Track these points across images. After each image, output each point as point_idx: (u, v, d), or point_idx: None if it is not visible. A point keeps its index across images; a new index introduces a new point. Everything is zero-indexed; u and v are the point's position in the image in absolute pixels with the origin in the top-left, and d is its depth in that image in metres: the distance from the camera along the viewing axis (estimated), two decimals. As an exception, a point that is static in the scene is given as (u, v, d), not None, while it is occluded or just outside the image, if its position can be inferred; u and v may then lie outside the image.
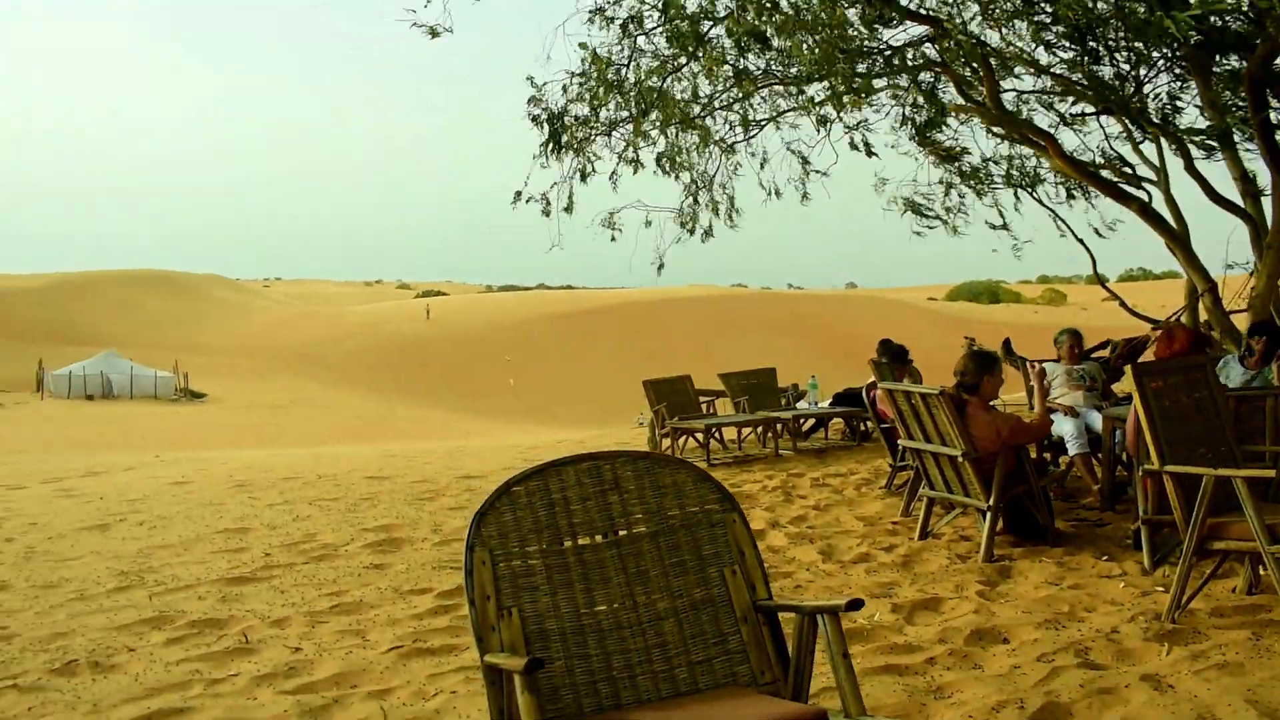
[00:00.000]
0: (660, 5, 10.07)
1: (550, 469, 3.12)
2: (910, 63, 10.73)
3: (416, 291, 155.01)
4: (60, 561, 7.22)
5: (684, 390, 13.08)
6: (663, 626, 3.05)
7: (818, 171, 11.92)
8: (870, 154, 11.50)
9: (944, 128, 11.72)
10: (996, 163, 12.47)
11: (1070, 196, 12.59)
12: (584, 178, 11.73)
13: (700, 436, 12.04)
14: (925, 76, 11.03)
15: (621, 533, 3.12)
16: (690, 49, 10.09)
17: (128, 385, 59.19)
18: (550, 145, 11.35)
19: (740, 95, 11.16)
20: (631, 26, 10.54)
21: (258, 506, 9.40)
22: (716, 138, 11.83)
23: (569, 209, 11.79)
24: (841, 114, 10.74)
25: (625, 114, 11.29)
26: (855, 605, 2.85)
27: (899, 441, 7.68)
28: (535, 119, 11.32)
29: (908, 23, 10.19)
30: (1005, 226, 12.70)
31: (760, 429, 12.67)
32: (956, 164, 12.32)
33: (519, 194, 11.61)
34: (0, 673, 4.74)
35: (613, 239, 11.94)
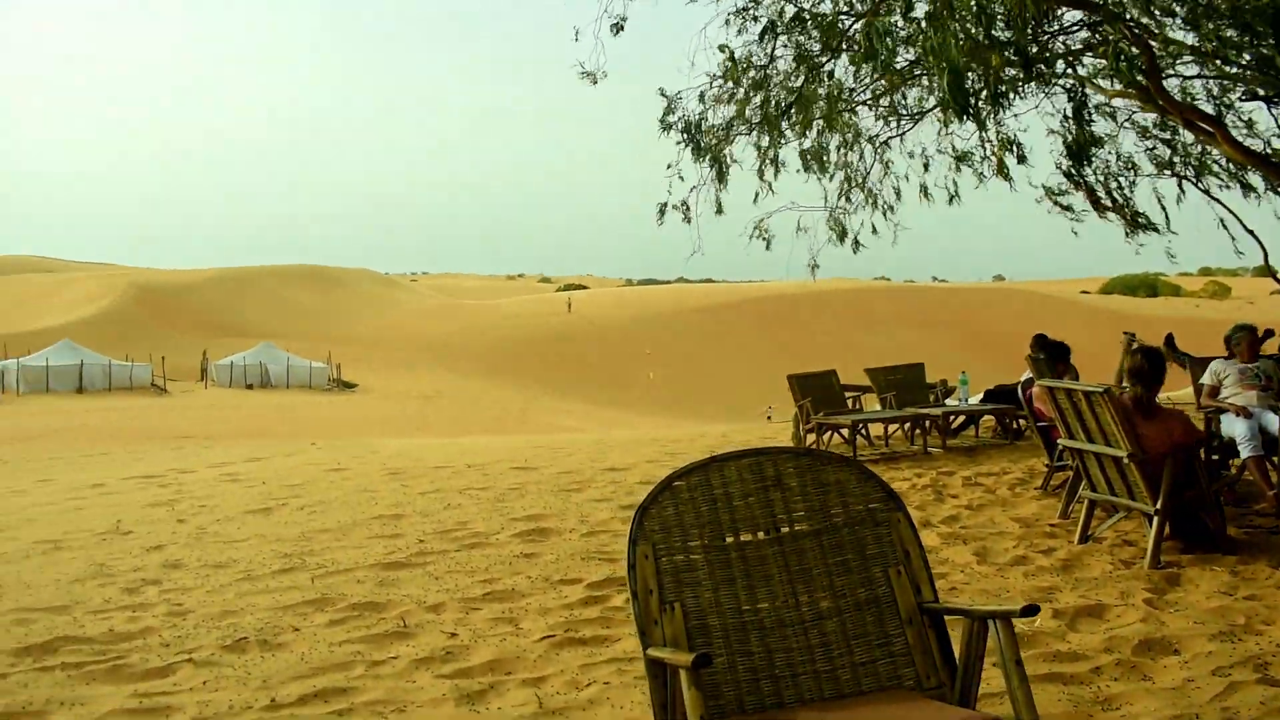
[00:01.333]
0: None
1: (712, 464, 3.10)
2: (1067, 50, 10.27)
3: (558, 285, 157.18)
4: (228, 543, 7.56)
5: (830, 385, 12.89)
6: (825, 626, 3.00)
7: (972, 170, 11.52)
8: (1022, 159, 11.06)
9: (1101, 119, 11.17)
10: (1159, 150, 11.84)
11: (1244, 187, 11.88)
12: (723, 181, 11.60)
13: (846, 433, 11.85)
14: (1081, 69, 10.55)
15: (783, 530, 3.08)
16: (835, 45, 9.89)
17: (284, 375, 61.71)
18: (689, 153, 11.28)
19: (886, 89, 10.90)
20: (776, 24, 10.39)
21: (410, 494, 9.66)
22: (868, 135, 11.58)
23: (719, 210, 11.68)
24: (987, 122, 10.39)
25: (766, 114, 11.14)
26: (1031, 611, 2.75)
27: (1058, 441, 7.41)
28: (669, 127, 11.28)
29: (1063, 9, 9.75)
30: (1149, 226, 12.02)
31: (908, 426, 12.41)
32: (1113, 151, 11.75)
33: (663, 208, 11.57)
34: (177, 647, 4.98)
35: (767, 247, 11.78)
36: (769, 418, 50.77)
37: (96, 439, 21.52)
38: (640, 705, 4.12)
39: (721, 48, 10.70)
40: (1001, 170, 11.02)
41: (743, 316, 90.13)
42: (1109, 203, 11.51)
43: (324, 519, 8.43)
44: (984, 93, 9.26)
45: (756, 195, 11.47)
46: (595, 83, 10.85)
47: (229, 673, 4.59)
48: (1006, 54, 8.61)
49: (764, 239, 11.67)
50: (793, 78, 10.77)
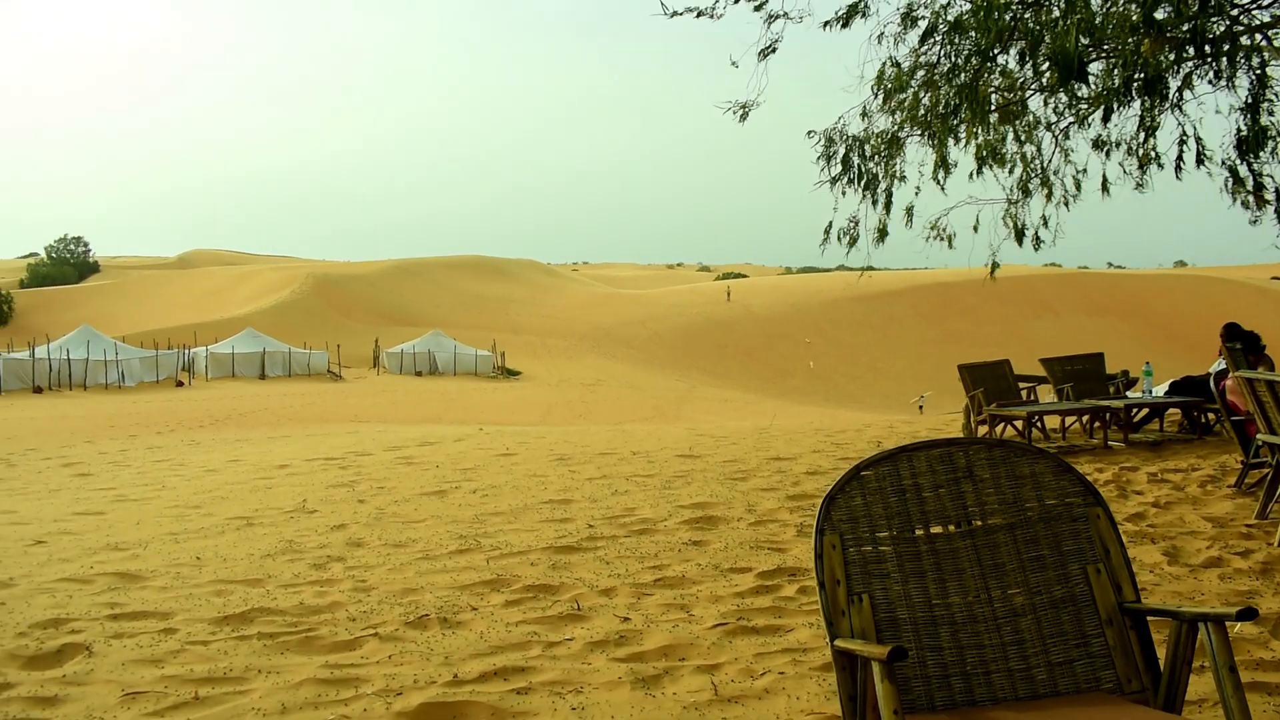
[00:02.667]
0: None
1: (901, 454, 3.02)
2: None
3: (717, 274, 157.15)
4: (406, 523, 7.81)
5: (1002, 376, 12.50)
6: (1019, 623, 2.89)
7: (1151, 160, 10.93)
8: (1202, 159, 10.43)
9: None
10: None
11: None
12: (888, 209, 11.32)
13: (1019, 425, 11.47)
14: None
15: (976, 523, 2.98)
16: (1005, 38, 9.53)
17: (451, 362, 63.52)
18: (842, 177, 11.08)
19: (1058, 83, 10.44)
20: (941, 25, 10.09)
21: (578, 480, 9.80)
22: (1046, 122, 11.13)
23: (881, 238, 11.43)
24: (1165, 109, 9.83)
25: (939, 112, 10.81)
26: (1248, 615, 2.59)
27: (1257, 436, 6.99)
28: (826, 155, 11.10)
29: None
30: None
31: (1087, 418, 11.92)
32: None
33: (828, 231, 11.39)
34: (362, 621, 5.17)
35: (949, 245, 11.48)
36: (920, 407, 49.68)
37: (278, 422, 22.59)
38: (816, 697, 4.07)
39: (892, 61, 10.48)
40: (1145, 164, 10.44)
41: (905, 305, 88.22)
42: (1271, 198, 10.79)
43: (496, 502, 8.63)
44: (1141, 80, 8.76)
45: (938, 179, 11.14)
46: (744, 119, 10.80)
47: (412, 648, 4.74)
48: (1174, 35, 8.14)
49: (943, 238, 11.36)
50: (959, 74, 10.43)
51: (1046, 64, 9.75)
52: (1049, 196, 11.25)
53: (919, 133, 11.04)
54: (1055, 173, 11.26)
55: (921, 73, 10.59)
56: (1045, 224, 11.32)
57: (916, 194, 11.66)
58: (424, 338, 66.37)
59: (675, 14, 10.41)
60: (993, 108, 10.58)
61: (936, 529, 2.96)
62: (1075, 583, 2.94)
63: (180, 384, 50.51)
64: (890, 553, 2.91)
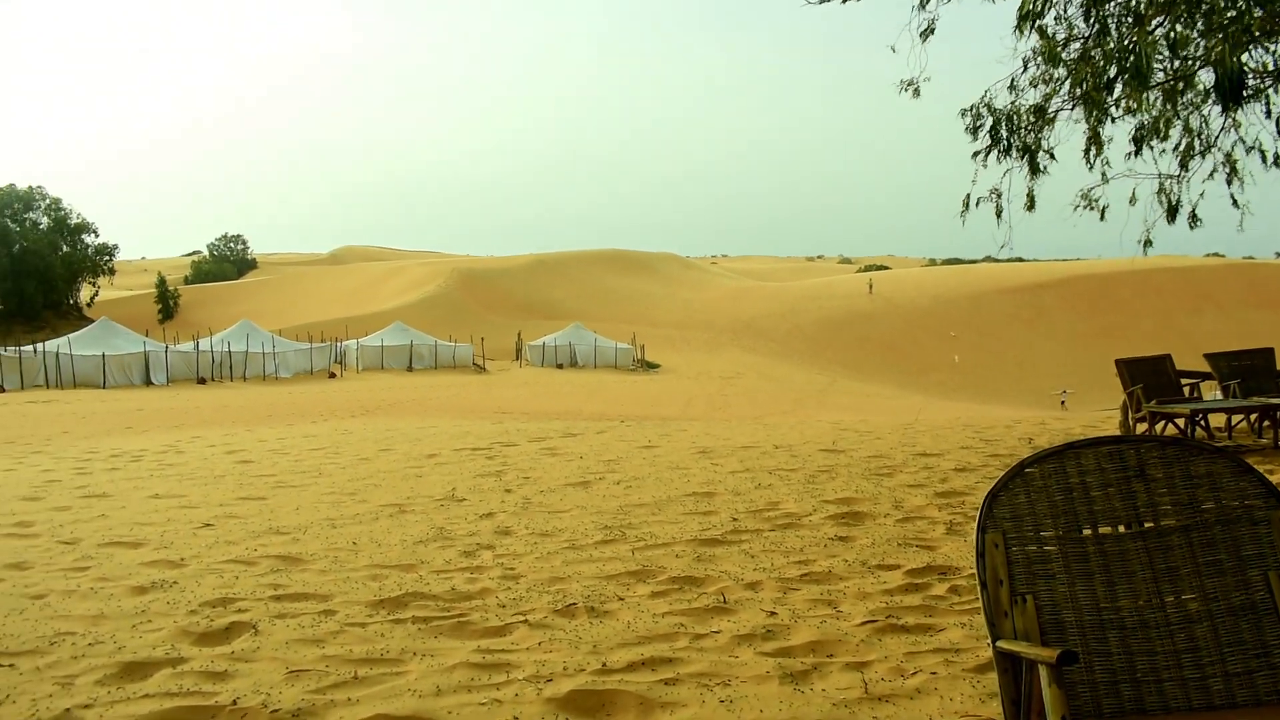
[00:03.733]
0: None
1: (1068, 451, 2.91)
2: None
3: (858, 266, 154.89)
4: (552, 513, 7.93)
5: (1163, 371, 11.96)
6: (1194, 630, 2.75)
7: None
8: None
9: None
10: None
11: None
12: (1035, 172, 10.97)
13: (1181, 423, 10.97)
14: None
15: (1147, 524, 2.85)
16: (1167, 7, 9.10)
17: (591, 355, 64.23)
18: (992, 147, 10.77)
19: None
20: None
21: (720, 473, 9.79)
22: (1208, 93, 10.59)
23: (1030, 206, 11.09)
24: None
25: (1097, 83, 10.39)
26: None
27: None
28: (974, 127, 10.78)
29: None
30: None
31: (1255, 417, 11.32)
32: None
33: (967, 202, 11.10)
34: (512, 608, 5.27)
35: (1101, 218, 11.07)
36: (1062, 402, 47.96)
37: (426, 413, 23.20)
38: (970, 699, 3.97)
39: (1028, 25, 10.13)
40: None
41: (1056, 297, 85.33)
42: None
43: (639, 494, 8.69)
44: None
45: (1090, 156, 10.75)
46: (916, 94, 10.64)
47: (561, 636, 4.81)
48: None
49: (1095, 209, 10.96)
50: (1123, 42, 10.00)
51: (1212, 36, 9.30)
52: (1213, 175, 10.74)
53: (1070, 107, 10.68)
54: (1217, 148, 10.74)
55: (1076, 45, 10.23)
56: (1230, 183, 10.81)
57: (1066, 173, 11.29)
58: (565, 331, 67.29)
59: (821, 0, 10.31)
60: (1154, 81, 10.14)
61: (1105, 529, 2.85)
62: (1255, 589, 2.79)
63: (332, 375, 52.38)
64: (1055, 553, 2.81)
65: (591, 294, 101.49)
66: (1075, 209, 11.24)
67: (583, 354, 64.21)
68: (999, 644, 2.65)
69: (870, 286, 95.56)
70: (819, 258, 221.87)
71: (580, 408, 25.75)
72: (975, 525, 2.82)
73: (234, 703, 4.00)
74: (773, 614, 5.10)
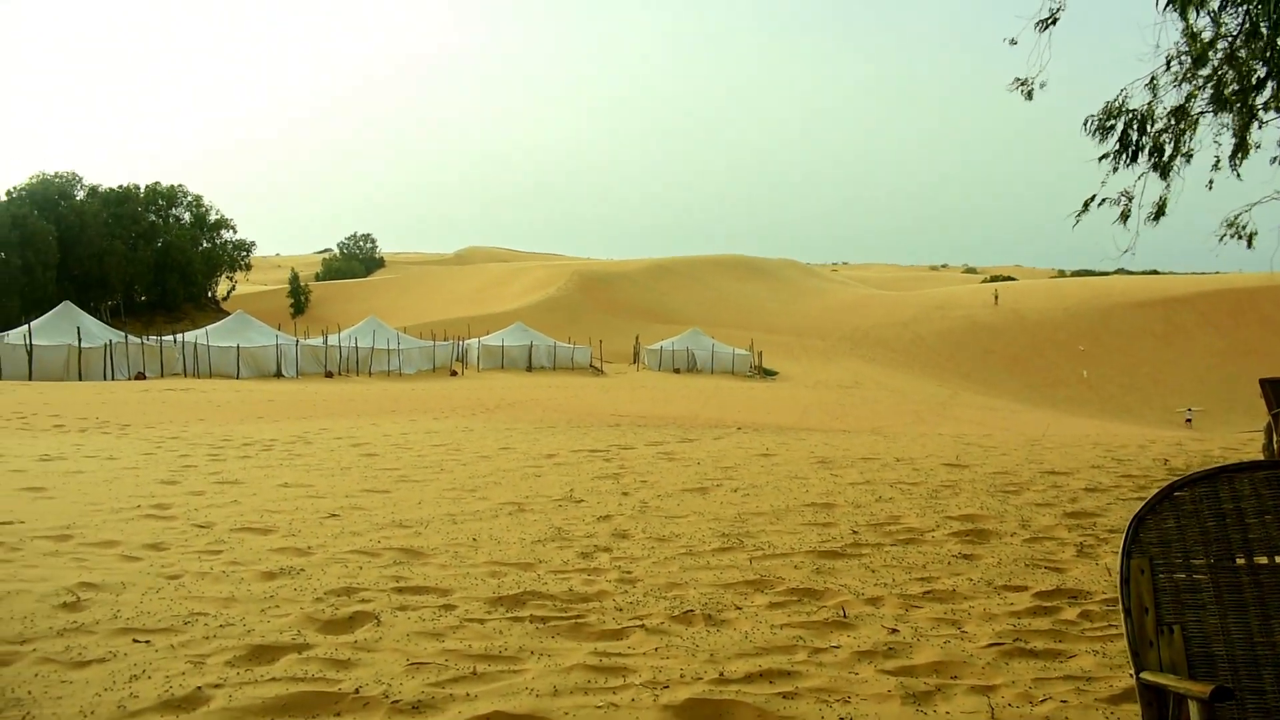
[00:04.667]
0: None
1: (1221, 475, 2.76)
2: None
3: (984, 276, 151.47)
4: (669, 518, 7.91)
5: (1313, 393, 11.34)
6: (1359, 671, 2.57)
7: None
8: None
9: None
10: None
11: None
12: (1165, 175, 10.51)
13: (1333, 448, 10.39)
14: None
15: (1308, 556, 2.68)
16: None
17: (709, 361, 64.14)
18: (1122, 151, 10.34)
19: None
20: None
21: (840, 484, 9.64)
22: None
23: (1158, 215, 10.63)
24: None
25: (1245, 85, 9.91)
26: None
27: None
28: (1103, 128, 10.37)
29: None
30: None
31: None
32: None
33: (1088, 204, 10.69)
34: (629, 612, 5.26)
35: (1248, 245, 10.55)
36: (1188, 420, 45.93)
37: (545, 412, 23.44)
38: (1103, 730, 3.81)
39: (1190, 33, 9.74)
40: None
41: (1193, 312, 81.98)
42: None
43: (757, 502, 8.61)
44: None
45: (1233, 165, 10.28)
46: (1029, 96, 10.33)
47: (677, 642, 4.77)
48: None
49: (1242, 236, 10.45)
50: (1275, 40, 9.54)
51: None
52: None
53: (1213, 110, 10.22)
54: None
55: (1223, 44, 9.79)
56: None
57: (1209, 185, 10.81)
58: (683, 335, 67.37)
59: None
60: None
61: (1261, 559, 2.68)
62: None
63: (454, 373, 53.40)
64: (1206, 582, 2.66)
65: (710, 299, 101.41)
66: (1221, 239, 10.75)
67: (700, 359, 64.18)
68: (1143, 675, 2.52)
69: (996, 297, 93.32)
70: (943, 267, 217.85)
71: (696, 413, 25.68)
72: (1109, 549, 2.70)
73: (356, 691, 4.07)
74: (894, 631, 4.98)
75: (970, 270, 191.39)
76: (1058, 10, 9.93)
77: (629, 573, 6.11)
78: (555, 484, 9.72)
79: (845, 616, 5.22)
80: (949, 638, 4.89)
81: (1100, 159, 10.55)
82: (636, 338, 72.74)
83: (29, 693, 4.03)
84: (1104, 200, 10.79)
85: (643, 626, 5.00)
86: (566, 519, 7.85)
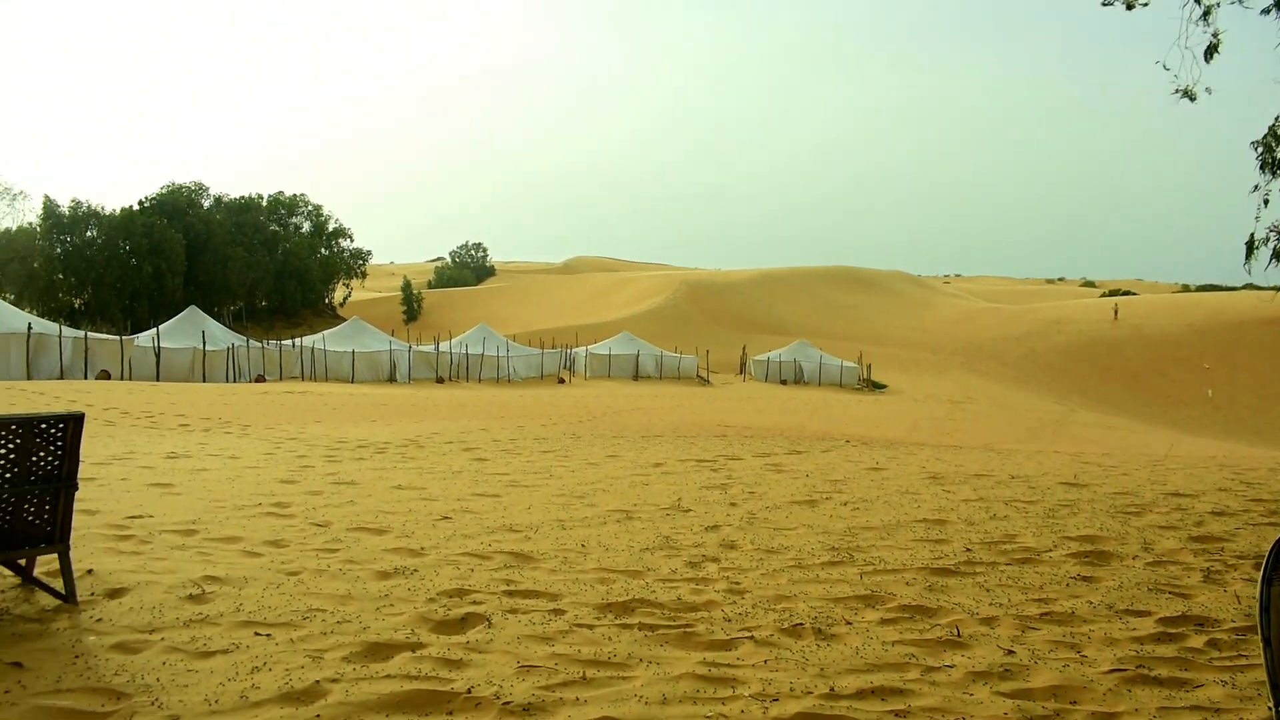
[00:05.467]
0: None
1: (1371, 500, 2.62)
2: None
3: (1103, 290, 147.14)
4: (777, 530, 7.85)
5: None
6: None
7: None
8: None
9: None
10: None
11: None
12: None
13: None
14: None
15: None
16: None
17: (816, 372, 63.60)
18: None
19: None
20: None
21: (952, 500, 9.45)
22: None
23: None
24: None
25: None
26: None
27: None
28: (1270, 161, 9.96)
29: None
30: None
31: None
32: None
33: (1251, 244, 10.27)
34: (738, 623, 5.23)
35: None
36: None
37: (651, 421, 23.50)
38: (1235, 763, 3.65)
39: None
40: None
41: (1331, 329, 78.28)
42: None
43: (867, 516, 8.49)
44: None
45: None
46: (1193, 99, 10.00)
47: (787, 655, 4.73)
48: None
49: None
50: None
51: None
52: None
53: None
54: None
55: None
56: None
57: None
58: (790, 346, 66.98)
59: (1107, 4, 9.89)
60: None
61: None
62: None
63: (561, 381, 53.92)
64: (1354, 613, 2.53)
65: (818, 310, 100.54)
66: None
67: (808, 371, 63.69)
68: (1284, 708, 2.41)
69: (1116, 312, 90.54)
70: (1059, 280, 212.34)
71: (803, 425, 25.45)
72: (1239, 575, 2.58)
73: (469, 691, 4.12)
74: (1010, 652, 4.86)
75: (1088, 284, 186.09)
76: (1218, 42, 9.68)
77: (737, 584, 6.08)
78: (663, 493, 9.73)
79: (959, 636, 5.11)
80: (1068, 661, 4.75)
81: (1253, 189, 10.16)
82: (743, 348, 72.52)
83: (158, 680, 4.19)
84: (1269, 235, 10.39)
85: (752, 638, 4.97)
86: (674, 528, 7.85)
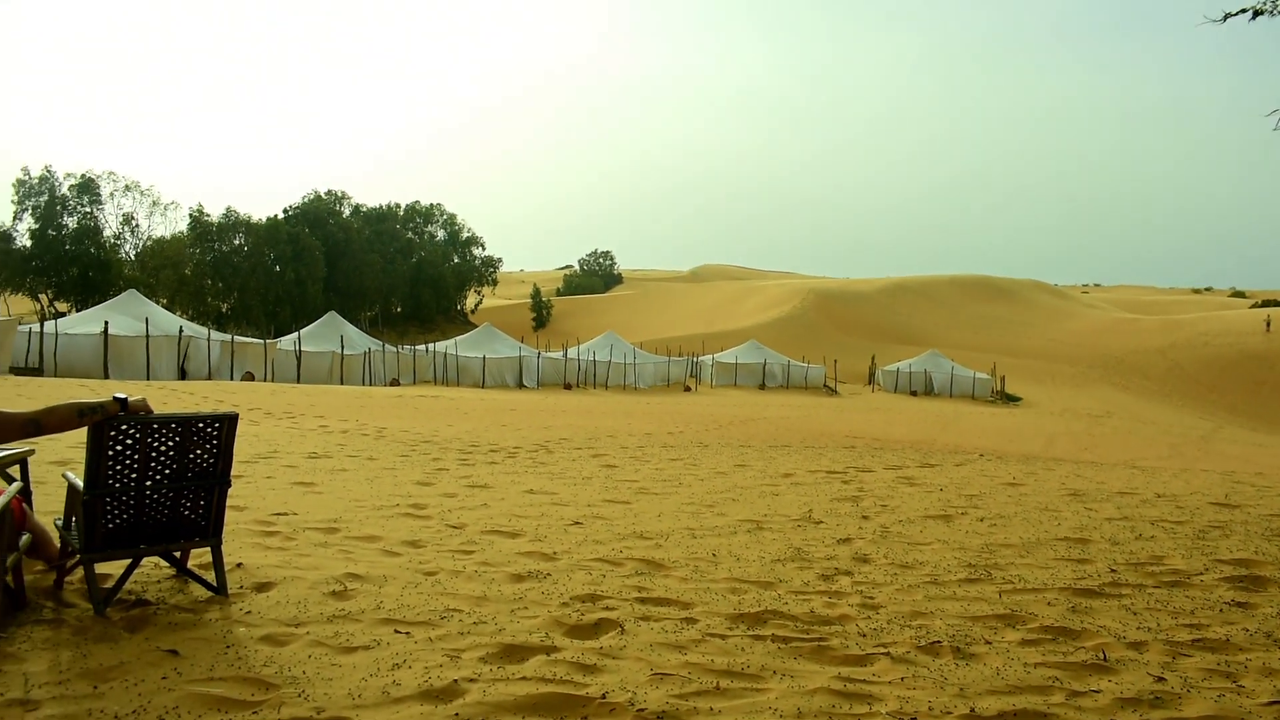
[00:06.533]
0: None
1: None
2: None
3: (1253, 300, 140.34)
4: (912, 544, 7.70)
5: None
6: None
7: None
8: None
9: None
10: None
11: None
12: None
13: None
14: None
15: None
16: None
17: (947, 384, 62.33)
18: None
19: None
20: None
21: (1095, 519, 9.13)
22: None
23: None
24: None
25: None
26: None
27: None
28: None
29: None
30: None
31: None
32: None
33: None
34: (873, 639, 5.14)
35: None
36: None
37: (778, 431, 23.33)
38: None
39: None
40: None
41: None
42: None
43: (1005, 533, 8.26)
44: None
45: None
46: None
47: (924, 673, 4.63)
48: None
49: None
50: None
51: None
52: None
53: None
54: None
55: None
56: None
57: None
58: (921, 357, 65.81)
59: (1229, 15, 9.50)
60: None
61: None
62: None
63: (687, 389, 53.99)
64: None
65: (950, 320, 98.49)
66: None
67: (938, 382, 62.44)
68: None
69: (1268, 324, 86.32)
70: (1207, 290, 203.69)
71: (934, 438, 24.93)
72: None
73: (603, 696, 4.15)
74: (1160, 679, 4.66)
75: (1238, 294, 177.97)
76: None
77: (871, 598, 5.98)
78: (793, 504, 9.65)
79: (1105, 660, 4.92)
80: (1223, 691, 4.53)
81: None
82: (872, 358, 71.50)
83: (304, 672, 4.33)
84: None
85: (888, 654, 4.88)
86: (806, 539, 7.77)
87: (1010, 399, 60.63)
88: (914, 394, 60.82)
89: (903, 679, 4.55)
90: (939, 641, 5.09)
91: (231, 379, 37.31)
